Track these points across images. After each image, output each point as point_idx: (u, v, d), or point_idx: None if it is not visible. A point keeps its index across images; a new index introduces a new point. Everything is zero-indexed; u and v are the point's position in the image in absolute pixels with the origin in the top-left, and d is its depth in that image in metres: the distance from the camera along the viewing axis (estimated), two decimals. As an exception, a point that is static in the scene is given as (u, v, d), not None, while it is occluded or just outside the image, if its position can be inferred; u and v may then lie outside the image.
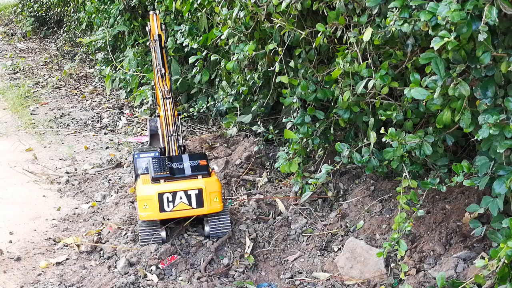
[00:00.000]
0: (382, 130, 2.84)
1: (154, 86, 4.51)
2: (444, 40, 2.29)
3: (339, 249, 3.40)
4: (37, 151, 5.64)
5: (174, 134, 3.63)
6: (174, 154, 3.64)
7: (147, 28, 4.19)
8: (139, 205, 3.37)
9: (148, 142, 5.09)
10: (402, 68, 3.14)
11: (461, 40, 2.38)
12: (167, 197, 3.33)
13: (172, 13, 5.95)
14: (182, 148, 3.72)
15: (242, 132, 5.16)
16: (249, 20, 3.92)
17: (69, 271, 3.42)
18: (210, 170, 3.52)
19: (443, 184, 2.80)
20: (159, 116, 3.71)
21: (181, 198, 3.35)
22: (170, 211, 3.35)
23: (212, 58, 4.97)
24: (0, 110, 7.30)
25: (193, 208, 3.37)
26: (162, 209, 3.33)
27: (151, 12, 4.10)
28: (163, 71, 3.78)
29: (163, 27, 4.02)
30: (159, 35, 3.96)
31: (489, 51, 2.37)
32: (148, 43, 4.20)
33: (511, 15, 2.34)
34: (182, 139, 5.53)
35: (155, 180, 3.39)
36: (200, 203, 3.37)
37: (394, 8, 2.60)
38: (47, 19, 12.95)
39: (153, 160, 3.45)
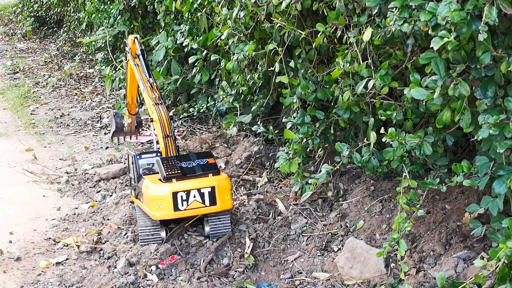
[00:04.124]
0: (382, 130, 2.84)
1: (125, 98, 4.74)
2: (444, 40, 2.29)
3: (339, 249, 3.40)
4: (37, 151, 5.65)
5: (171, 135, 3.67)
6: (172, 155, 3.65)
7: (126, 49, 4.39)
8: (152, 205, 3.37)
9: (111, 136, 5.14)
10: (402, 68, 3.14)
11: (461, 40, 2.38)
12: (181, 196, 3.34)
13: (172, 13, 5.95)
14: (176, 148, 3.74)
15: (242, 132, 5.16)
16: (249, 20, 3.92)
17: (69, 271, 3.42)
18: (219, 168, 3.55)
19: (443, 184, 2.80)
20: (152, 120, 3.80)
21: (194, 196, 3.36)
22: (184, 209, 3.36)
23: (212, 58, 4.98)
24: (0, 110, 7.31)
25: (206, 206, 3.39)
26: (176, 208, 3.34)
27: (131, 36, 4.26)
28: (152, 81, 3.91)
29: (142, 47, 4.22)
30: (142, 50, 4.13)
31: (489, 51, 2.37)
32: (125, 63, 4.45)
33: (511, 15, 2.34)
34: (182, 139, 5.54)
35: (167, 179, 3.39)
36: (213, 201, 3.39)
37: (394, 8, 2.60)
38: (47, 19, 12.96)
39: (162, 160, 3.47)
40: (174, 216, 3.38)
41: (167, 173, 3.40)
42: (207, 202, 3.38)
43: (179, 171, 3.42)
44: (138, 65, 4.12)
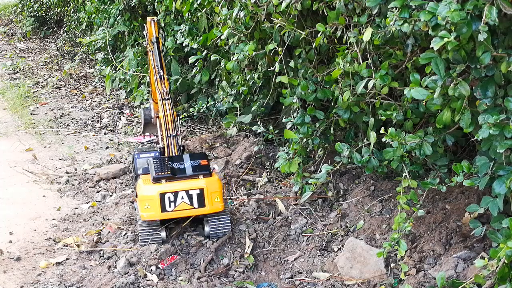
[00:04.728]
0: (382, 130, 2.84)
1: (150, 86, 4.64)
2: (444, 40, 2.29)
3: (339, 249, 3.40)
4: (37, 151, 5.64)
5: (174, 134, 3.64)
6: (174, 154, 3.64)
7: (144, 32, 4.24)
8: (141, 205, 3.37)
9: (142, 130, 5.11)
10: (402, 68, 3.14)
11: (461, 40, 2.38)
12: (169, 197, 3.33)
13: (172, 13, 5.95)
14: (181, 148, 3.73)
15: (242, 132, 5.16)
16: (249, 20, 3.92)
17: (69, 271, 3.42)
18: (211, 170, 3.53)
19: (443, 184, 2.80)
20: (158, 117, 3.74)
21: (182, 198, 3.35)
22: (172, 211, 3.35)
23: (212, 58, 4.97)
24: (0, 110, 7.30)
25: (194, 208, 3.38)
26: (163, 209, 3.33)
27: (149, 18, 4.14)
28: (162, 73, 3.82)
29: (161, 31, 4.06)
30: (157, 38, 4.01)
31: (489, 51, 2.37)
32: (145, 46, 4.29)
33: (511, 15, 2.34)
34: (182, 139, 5.54)
35: (157, 180, 3.39)
36: (201, 203, 3.37)
37: (394, 8, 2.60)
38: (47, 19, 12.95)
39: (154, 160, 3.46)
40: (162, 217, 3.37)
41: (156, 173, 3.39)
42: (195, 204, 3.37)
43: (169, 172, 3.41)
44: (152, 51, 4.01)
